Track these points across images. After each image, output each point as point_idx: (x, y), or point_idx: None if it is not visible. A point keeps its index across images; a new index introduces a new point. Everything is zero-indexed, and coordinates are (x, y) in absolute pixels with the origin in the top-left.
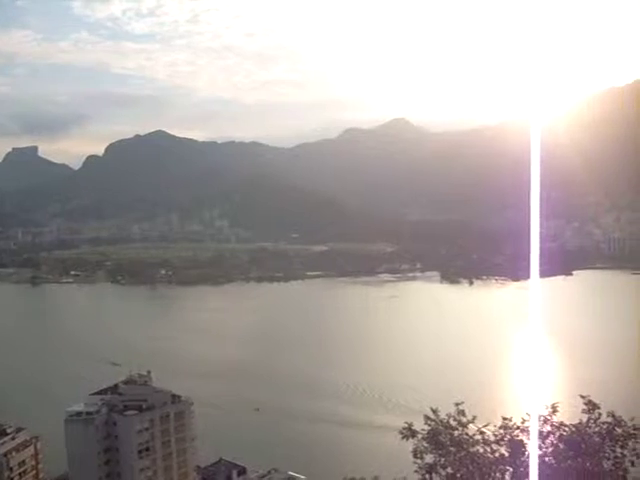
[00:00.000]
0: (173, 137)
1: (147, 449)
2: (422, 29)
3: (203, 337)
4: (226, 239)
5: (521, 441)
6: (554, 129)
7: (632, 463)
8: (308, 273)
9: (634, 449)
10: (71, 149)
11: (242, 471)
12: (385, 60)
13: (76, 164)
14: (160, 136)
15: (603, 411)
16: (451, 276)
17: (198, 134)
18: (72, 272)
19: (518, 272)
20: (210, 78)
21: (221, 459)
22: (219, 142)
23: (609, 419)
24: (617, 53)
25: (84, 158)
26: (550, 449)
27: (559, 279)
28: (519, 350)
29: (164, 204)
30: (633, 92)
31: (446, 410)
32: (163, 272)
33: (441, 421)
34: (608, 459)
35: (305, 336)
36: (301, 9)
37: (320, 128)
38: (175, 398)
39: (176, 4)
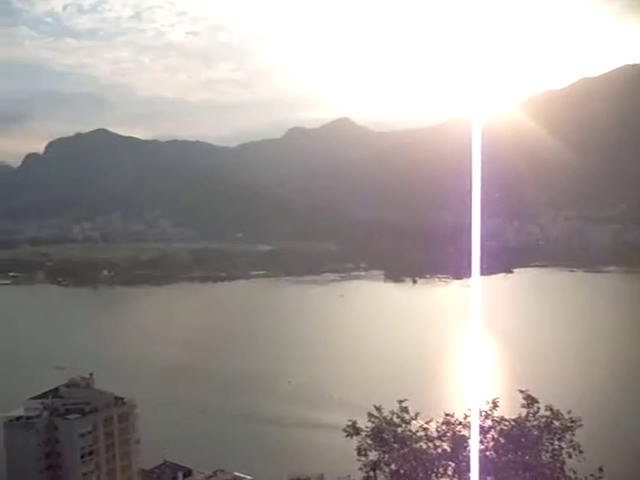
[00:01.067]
0: (115, 136)
1: (90, 453)
2: (365, 28)
3: (145, 339)
4: (169, 239)
5: (463, 436)
6: (495, 129)
7: (569, 455)
8: (253, 272)
9: (571, 441)
10: (11, 147)
11: (187, 473)
12: (328, 59)
13: (16, 163)
14: (102, 135)
15: (542, 405)
16: (395, 275)
17: (141, 133)
18: (10, 273)
19: (461, 270)
20: (153, 76)
21: (165, 461)
22: (162, 141)
23: (547, 413)
24: (557, 55)
25: (24, 156)
26: (491, 443)
27: (500, 277)
28: (461, 347)
29: (106, 203)
30: (571, 94)
31: (391, 407)
32: (105, 273)
33: (384, 418)
34: (547, 451)
35: (250, 336)
36: (245, 8)
37: (265, 127)
38: (118, 400)
39: (119, 0)
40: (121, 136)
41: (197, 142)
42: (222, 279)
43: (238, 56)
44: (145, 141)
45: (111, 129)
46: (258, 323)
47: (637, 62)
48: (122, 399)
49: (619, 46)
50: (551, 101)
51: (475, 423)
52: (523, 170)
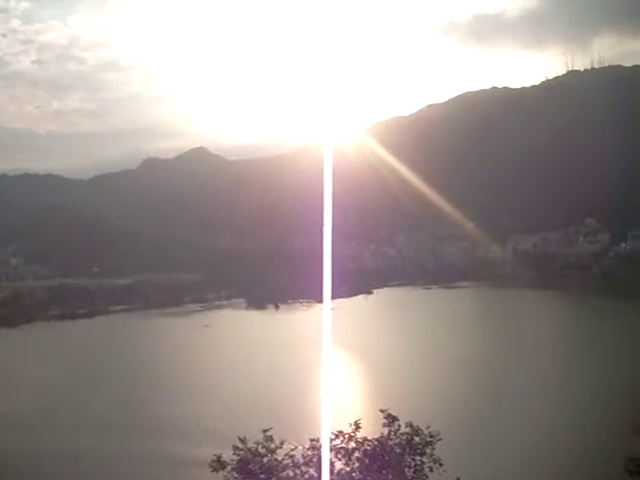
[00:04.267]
0: None
1: None
2: (214, 57)
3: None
4: (22, 277)
5: (329, 460)
6: (347, 155)
7: (430, 469)
8: (112, 308)
9: (432, 455)
10: None
11: None
12: (182, 88)
13: None
14: None
15: (402, 422)
16: (257, 302)
17: None
18: None
19: (322, 294)
20: None
21: None
22: (11, 175)
23: (408, 429)
24: (403, 83)
25: None
26: (356, 464)
27: (360, 298)
28: (325, 371)
29: None
30: (418, 119)
31: (257, 437)
32: None
33: (249, 449)
34: (409, 467)
35: (114, 374)
36: (95, 36)
37: (119, 158)
38: None
39: None
40: None
41: (48, 175)
42: (81, 316)
43: (89, 85)
44: None
45: None
46: (121, 360)
47: (477, 89)
48: None
49: (461, 73)
50: (399, 126)
51: (327, 447)
52: (375, 195)
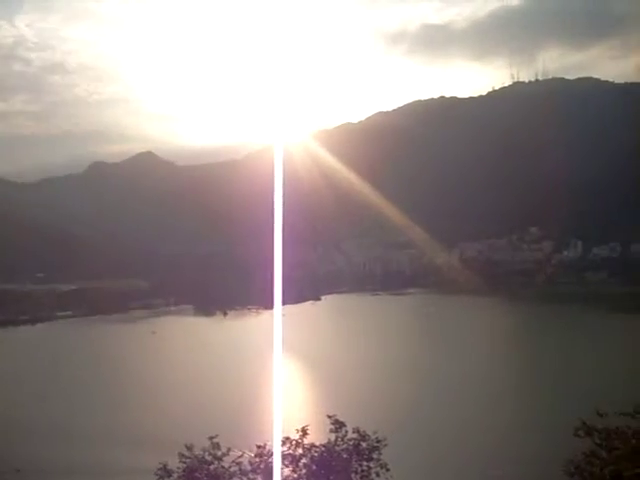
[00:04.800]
0: None
1: None
2: (165, 62)
3: None
4: None
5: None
6: (297, 161)
7: (377, 474)
8: (58, 314)
9: (378, 460)
10: None
11: None
12: (129, 91)
13: None
14: None
15: (350, 428)
16: (205, 308)
17: None
18: None
19: (270, 300)
20: None
21: None
22: None
23: (355, 435)
24: (353, 91)
25: None
26: (304, 471)
27: (309, 304)
28: (272, 376)
29: None
30: (367, 126)
31: (204, 444)
32: None
33: (196, 457)
34: (356, 473)
35: (59, 382)
36: (38, 39)
37: (65, 162)
38: None
39: None
40: None
41: None
42: (25, 322)
43: (34, 87)
44: None
45: None
46: (65, 367)
47: (426, 98)
48: None
49: (410, 82)
50: (349, 133)
51: (279, 453)
52: (324, 201)
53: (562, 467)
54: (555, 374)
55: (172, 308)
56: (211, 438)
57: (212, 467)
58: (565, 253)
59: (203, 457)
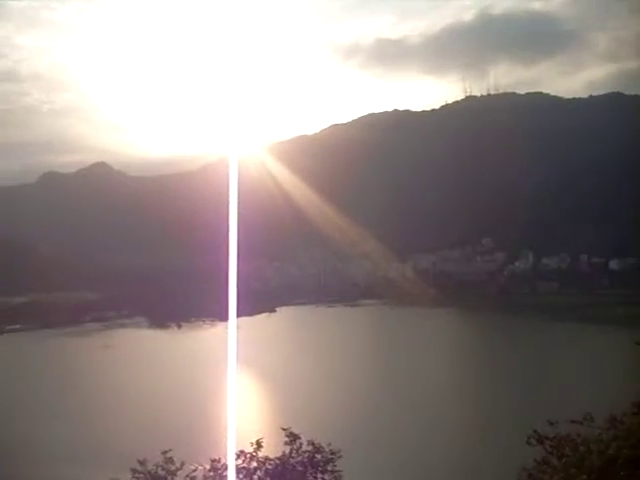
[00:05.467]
0: None
1: None
2: (119, 72)
3: None
4: None
5: None
6: (251, 173)
7: None
8: (8, 327)
9: (332, 472)
10: None
11: None
12: (83, 101)
13: None
14: None
15: (305, 440)
16: (159, 321)
17: None
18: None
19: (226, 312)
20: None
21: None
22: None
23: (309, 447)
24: (308, 103)
25: None
26: None
27: (264, 316)
28: (228, 389)
29: None
30: (322, 139)
31: (157, 459)
32: None
33: (149, 472)
34: None
35: (12, 398)
36: None
37: (18, 172)
38: None
39: None
40: None
41: None
42: None
43: None
44: None
45: None
46: (15, 382)
47: (379, 111)
48: None
49: (364, 95)
50: (303, 145)
51: (232, 467)
52: (279, 213)
53: (515, 476)
54: (508, 383)
55: (125, 321)
56: (164, 452)
57: None
58: (517, 264)
59: (156, 472)
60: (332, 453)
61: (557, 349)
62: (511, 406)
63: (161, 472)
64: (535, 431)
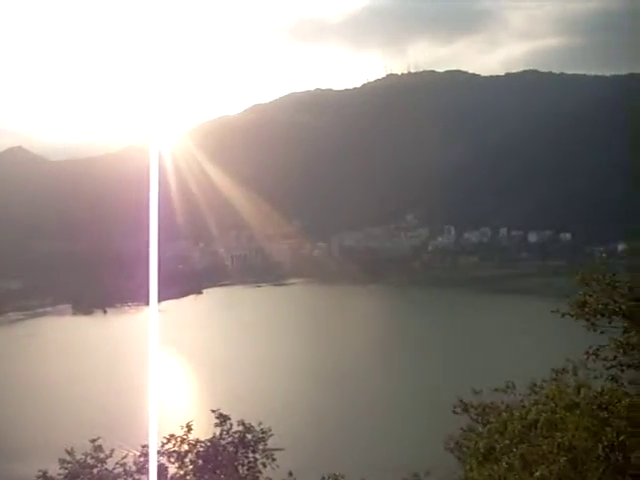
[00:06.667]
0: None
1: None
2: (35, 53)
3: None
4: None
5: (162, 465)
6: (173, 155)
7: (264, 464)
8: None
9: (264, 451)
10: None
11: None
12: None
13: None
14: None
15: (235, 421)
16: (84, 307)
17: None
18: None
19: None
20: None
21: None
22: None
23: (240, 428)
24: (230, 83)
25: None
26: (190, 467)
27: (191, 298)
28: (156, 373)
29: None
30: (245, 119)
31: (86, 448)
32: None
33: (78, 461)
34: (243, 465)
35: None
36: None
37: None
38: None
39: None
40: None
41: None
42: None
43: None
44: None
45: None
46: None
47: (301, 90)
48: None
49: (285, 75)
50: (225, 126)
51: (153, 452)
52: (202, 194)
53: (443, 443)
54: (433, 355)
55: (49, 309)
56: (93, 441)
57: (95, 471)
58: (440, 239)
59: (85, 461)
60: (263, 432)
61: (479, 320)
62: (436, 377)
63: (90, 460)
64: (461, 400)
